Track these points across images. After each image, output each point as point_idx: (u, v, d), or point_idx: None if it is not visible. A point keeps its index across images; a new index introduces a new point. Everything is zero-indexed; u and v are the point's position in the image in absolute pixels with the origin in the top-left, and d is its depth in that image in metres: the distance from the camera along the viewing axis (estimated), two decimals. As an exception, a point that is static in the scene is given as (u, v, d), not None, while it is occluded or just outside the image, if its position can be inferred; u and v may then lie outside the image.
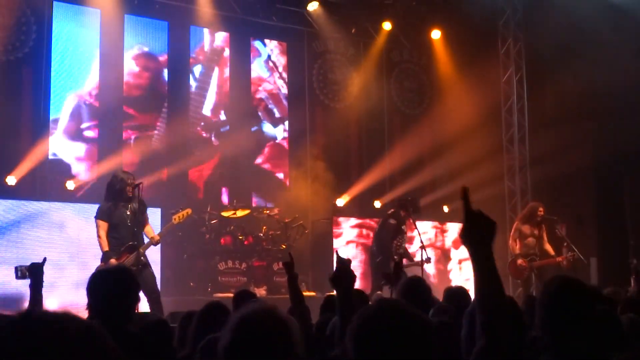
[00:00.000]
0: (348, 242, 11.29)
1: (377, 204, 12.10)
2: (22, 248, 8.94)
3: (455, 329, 3.03)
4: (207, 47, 11.80)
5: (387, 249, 8.70)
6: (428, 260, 8.73)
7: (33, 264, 4.01)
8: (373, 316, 1.84)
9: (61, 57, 10.25)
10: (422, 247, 8.65)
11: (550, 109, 12.15)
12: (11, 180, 9.33)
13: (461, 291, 4.86)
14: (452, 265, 12.27)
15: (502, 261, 10.70)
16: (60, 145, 10.17)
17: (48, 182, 9.96)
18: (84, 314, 3.03)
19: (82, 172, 10.27)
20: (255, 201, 11.74)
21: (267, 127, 12.21)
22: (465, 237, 2.07)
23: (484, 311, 1.98)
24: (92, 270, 3.61)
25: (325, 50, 12.66)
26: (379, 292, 8.14)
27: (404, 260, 8.75)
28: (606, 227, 12.63)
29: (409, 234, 9.31)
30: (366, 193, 12.09)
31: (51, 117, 10.08)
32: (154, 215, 8.69)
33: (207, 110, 11.61)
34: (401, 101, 13.29)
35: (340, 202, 12.01)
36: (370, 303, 4.13)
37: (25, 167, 9.46)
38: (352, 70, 12.72)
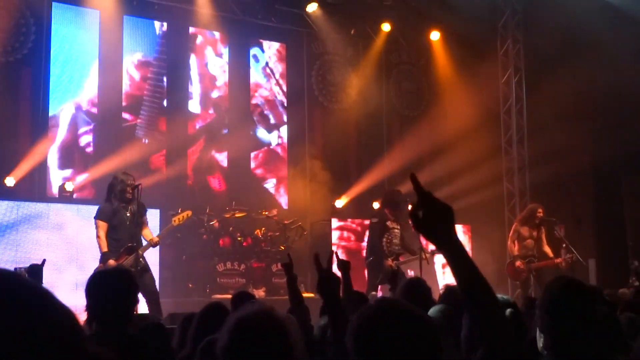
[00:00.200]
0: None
1: (376, 205, 12.08)
2: (21, 249, 8.94)
3: (454, 329, 3.02)
4: (206, 49, 11.80)
5: (377, 249, 8.69)
6: (432, 253, 8.59)
7: (32, 266, 4.02)
8: (373, 316, 1.84)
9: (60, 58, 10.24)
10: (420, 248, 8.65)
11: (549, 110, 12.15)
12: (10, 181, 9.32)
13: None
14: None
15: (500, 262, 10.72)
16: (59, 147, 10.15)
17: (47, 183, 9.95)
18: (82, 315, 3.02)
19: (80, 173, 10.25)
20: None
21: (262, 133, 12.19)
22: (425, 227, 1.76)
23: (471, 306, 1.77)
24: (91, 271, 3.61)
25: (324, 52, 12.66)
26: (373, 293, 8.16)
27: (401, 258, 8.72)
28: (605, 228, 12.65)
29: (397, 229, 8.87)
30: (365, 194, 12.08)
31: (50, 119, 10.06)
32: (153, 216, 8.69)
33: (194, 105, 11.55)
34: (400, 102, 13.29)
35: (339, 203, 12.01)
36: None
37: (23, 168, 9.45)
38: (351, 71, 12.72)
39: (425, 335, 1.81)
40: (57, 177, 10.06)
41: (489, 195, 12.63)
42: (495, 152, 13.07)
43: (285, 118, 12.40)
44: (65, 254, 9.18)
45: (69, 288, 8.74)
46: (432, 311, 3.47)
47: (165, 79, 11.24)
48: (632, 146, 11.53)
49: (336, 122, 12.41)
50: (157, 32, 11.25)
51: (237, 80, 11.92)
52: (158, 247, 7.96)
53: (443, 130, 12.70)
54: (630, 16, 11.20)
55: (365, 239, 10.51)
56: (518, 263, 9.55)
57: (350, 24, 12.53)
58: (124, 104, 10.77)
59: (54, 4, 10.20)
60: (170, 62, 11.27)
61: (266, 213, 10.60)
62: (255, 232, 10.36)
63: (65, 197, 9.73)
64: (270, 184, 12.13)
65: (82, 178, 10.21)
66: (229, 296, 6.35)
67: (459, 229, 12.88)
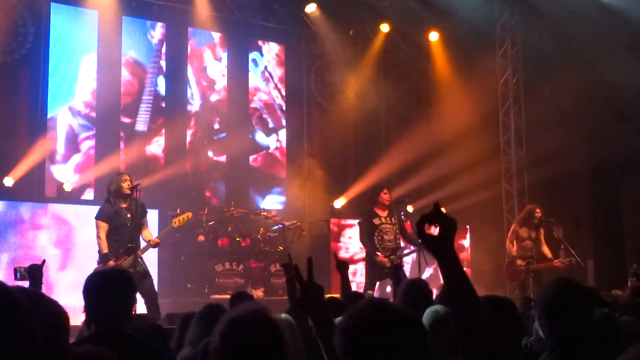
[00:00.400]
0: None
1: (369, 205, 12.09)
2: (20, 250, 8.94)
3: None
4: (205, 51, 11.80)
5: (368, 248, 8.75)
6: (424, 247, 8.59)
7: (32, 266, 4.02)
8: (360, 316, 1.84)
9: (58, 58, 10.23)
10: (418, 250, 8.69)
11: (547, 111, 12.16)
12: (8, 181, 9.32)
13: None
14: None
15: (499, 263, 10.73)
16: (57, 148, 10.15)
17: (45, 184, 9.95)
18: (81, 316, 3.02)
19: (79, 173, 10.25)
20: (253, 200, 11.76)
21: (260, 136, 12.19)
22: (435, 241, 1.99)
23: (458, 312, 1.96)
24: (90, 272, 3.60)
25: (323, 52, 12.66)
26: (369, 292, 8.19)
27: (399, 252, 8.74)
28: (603, 229, 12.67)
29: (389, 224, 8.76)
30: (363, 195, 12.07)
31: (48, 119, 10.06)
32: (152, 216, 8.68)
33: (193, 107, 11.55)
34: (398, 103, 13.29)
35: (338, 203, 12.02)
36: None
37: (22, 168, 9.45)
38: (349, 72, 12.72)
39: (412, 336, 1.82)
40: (55, 177, 10.05)
41: (487, 196, 12.63)
42: (493, 153, 13.07)
43: (283, 122, 12.41)
44: (64, 254, 9.18)
45: (68, 288, 8.74)
46: (429, 311, 3.48)
47: (164, 81, 11.24)
48: (630, 147, 11.54)
49: (335, 122, 12.42)
50: (156, 33, 11.24)
51: (236, 84, 11.93)
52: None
53: (441, 131, 12.70)
54: (627, 17, 11.21)
55: None
56: (519, 262, 9.56)
57: (348, 24, 12.53)
58: (122, 104, 10.77)
59: (52, 4, 10.20)
60: (169, 64, 11.27)
61: (265, 213, 10.61)
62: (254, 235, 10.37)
63: (63, 197, 9.74)
64: (265, 175, 12.15)
65: (80, 178, 10.21)
66: (228, 296, 6.36)
67: (459, 229, 12.86)
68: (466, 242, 12.56)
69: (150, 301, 7.24)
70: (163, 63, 11.24)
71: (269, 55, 12.42)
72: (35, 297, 2.03)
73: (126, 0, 10.64)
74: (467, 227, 12.64)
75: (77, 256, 9.09)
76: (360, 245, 9.20)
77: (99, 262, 7.26)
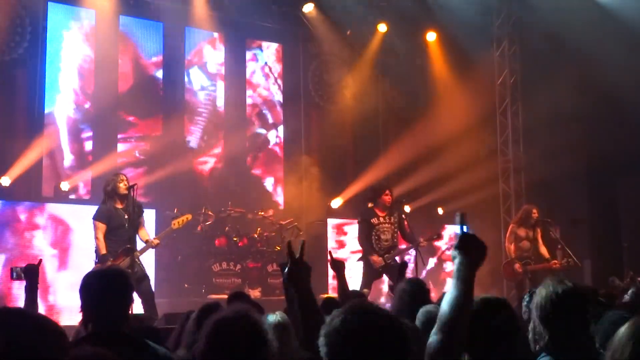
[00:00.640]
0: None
1: (369, 205, 12.09)
2: (17, 249, 8.93)
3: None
4: (203, 49, 11.80)
5: (364, 247, 8.78)
6: (417, 244, 8.73)
7: (29, 266, 4.02)
8: (341, 319, 1.84)
9: (56, 57, 10.22)
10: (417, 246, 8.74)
11: (545, 111, 12.17)
12: (5, 181, 9.30)
13: None
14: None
15: (495, 263, 10.73)
16: (54, 147, 10.14)
17: (42, 183, 9.93)
18: (78, 316, 3.02)
19: (76, 173, 10.24)
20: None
21: (259, 132, 12.19)
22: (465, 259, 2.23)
23: (452, 322, 2.14)
24: (87, 272, 3.60)
25: (321, 52, 12.66)
26: (365, 290, 8.23)
27: (392, 251, 8.78)
28: (600, 229, 12.68)
29: (387, 224, 8.85)
30: (361, 195, 12.08)
31: (45, 119, 10.05)
32: (149, 217, 8.69)
33: (191, 105, 11.57)
34: (396, 103, 13.29)
35: (335, 203, 12.02)
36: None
37: (19, 168, 9.44)
38: (347, 72, 12.72)
39: (395, 340, 1.82)
40: (52, 177, 10.04)
41: (485, 196, 12.65)
42: (491, 153, 13.09)
43: (282, 118, 12.41)
44: (61, 254, 9.17)
45: (65, 288, 8.74)
46: (422, 310, 3.50)
47: (161, 78, 11.24)
48: (627, 147, 11.56)
49: (332, 122, 12.42)
50: (154, 31, 11.23)
51: (235, 80, 11.92)
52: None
53: (439, 131, 12.70)
54: (624, 18, 11.23)
55: None
56: (517, 265, 9.59)
57: (346, 24, 12.53)
58: (119, 103, 10.75)
59: (49, 3, 10.18)
60: (167, 62, 11.26)
61: (262, 213, 10.61)
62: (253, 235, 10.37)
63: (60, 197, 9.73)
64: (268, 183, 12.14)
65: (77, 178, 10.20)
66: (225, 296, 6.36)
67: (456, 229, 12.88)
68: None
69: (147, 301, 7.25)
70: (160, 60, 11.21)
71: (268, 51, 12.42)
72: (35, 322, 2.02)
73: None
74: (465, 227, 12.63)
75: (74, 256, 9.09)
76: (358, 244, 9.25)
77: (96, 263, 7.26)
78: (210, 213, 10.20)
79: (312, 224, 11.56)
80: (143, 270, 7.42)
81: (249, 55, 12.24)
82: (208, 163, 11.60)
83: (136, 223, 7.41)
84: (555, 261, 9.44)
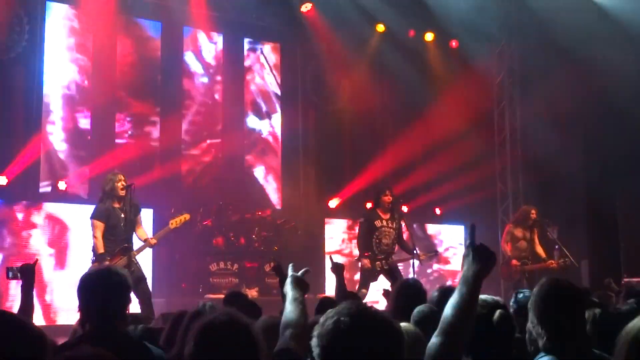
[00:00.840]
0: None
1: (370, 205, 12.09)
2: (13, 249, 8.92)
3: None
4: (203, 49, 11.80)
5: (360, 248, 8.77)
6: (418, 256, 8.63)
7: (25, 265, 4.02)
8: (334, 321, 1.84)
9: (54, 57, 10.20)
10: (414, 249, 8.72)
11: (542, 111, 12.18)
12: (2, 180, 9.29)
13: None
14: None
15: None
16: (52, 146, 10.13)
17: (39, 182, 9.92)
18: (75, 315, 3.02)
19: (74, 172, 10.23)
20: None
21: (252, 120, 12.15)
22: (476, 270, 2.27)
23: (455, 326, 2.18)
24: (85, 271, 3.60)
25: (318, 52, 12.65)
26: (363, 290, 8.24)
27: (393, 258, 8.75)
28: (597, 229, 12.67)
29: (390, 227, 8.79)
30: (359, 195, 12.09)
31: (43, 118, 10.03)
32: (147, 216, 8.68)
33: (189, 101, 11.57)
34: (393, 103, 13.29)
35: (333, 203, 12.02)
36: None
37: (16, 167, 9.43)
38: (345, 71, 12.71)
39: (387, 340, 1.82)
40: (50, 176, 10.03)
41: (483, 197, 12.67)
42: (488, 153, 13.11)
43: (277, 107, 12.38)
44: (58, 253, 9.17)
45: (62, 288, 8.74)
46: (416, 310, 3.52)
47: (159, 76, 11.23)
48: (625, 148, 11.56)
49: (330, 122, 12.42)
50: (152, 30, 11.22)
51: (232, 78, 11.91)
52: (151, 247, 7.99)
53: (437, 131, 12.70)
54: (622, 19, 11.24)
55: None
56: (513, 262, 9.59)
57: (344, 24, 12.52)
58: (117, 102, 10.75)
59: (47, 2, 10.17)
60: (164, 59, 11.23)
61: (260, 213, 10.61)
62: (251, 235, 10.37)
63: (58, 196, 9.72)
64: (265, 183, 12.10)
65: (75, 177, 10.19)
66: (222, 296, 6.36)
67: (454, 229, 12.92)
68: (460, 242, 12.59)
69: (144, 301, 7.24)
70: (158, 58, 11.20)
71: (266, 51, 12.43)
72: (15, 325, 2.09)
73: (121, -1, 10.63)
74: (462, 227, 12.67)
75: (72, 255, 9.08)
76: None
77: (94, 262, 7.26)
78: (207, 213, 10.21)
79: (309, 223, 11.56)
80: (140, 269, 7.43)
81: (247, 54, 12.24)
82: (207, 163, 11.59)
83: (133, 222, 7.41)
84: (552, 261, 9.44)
